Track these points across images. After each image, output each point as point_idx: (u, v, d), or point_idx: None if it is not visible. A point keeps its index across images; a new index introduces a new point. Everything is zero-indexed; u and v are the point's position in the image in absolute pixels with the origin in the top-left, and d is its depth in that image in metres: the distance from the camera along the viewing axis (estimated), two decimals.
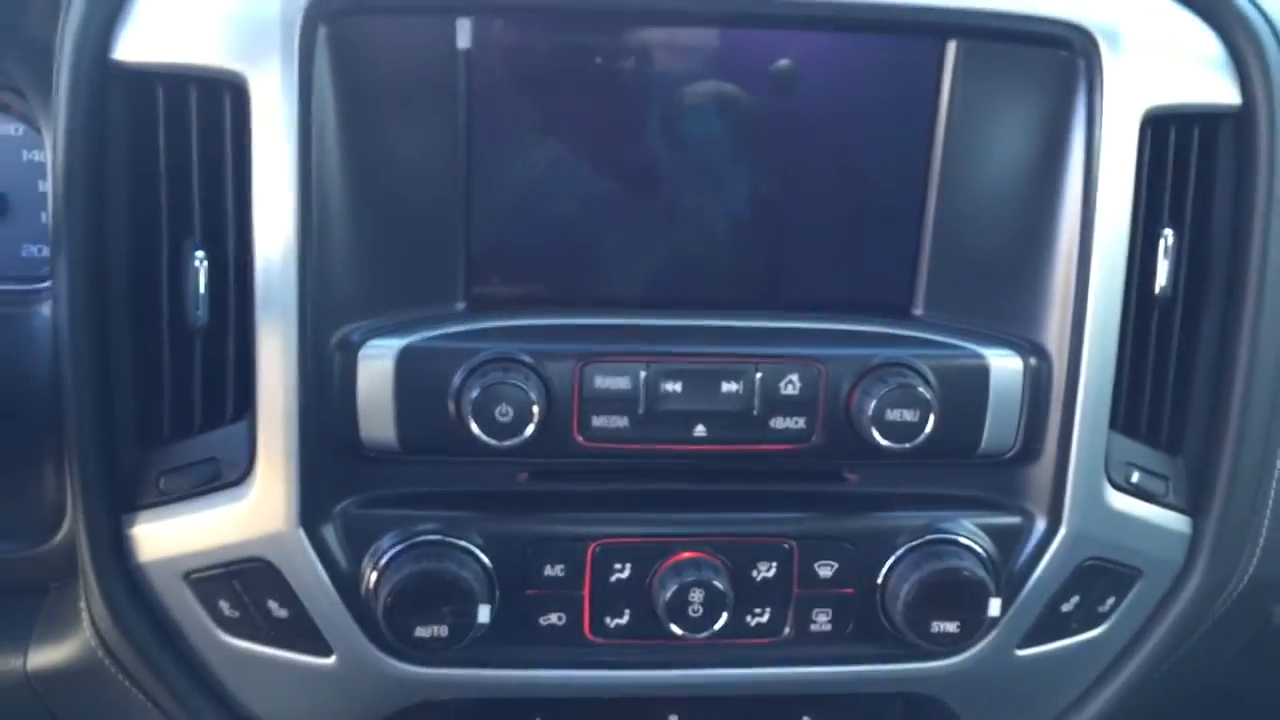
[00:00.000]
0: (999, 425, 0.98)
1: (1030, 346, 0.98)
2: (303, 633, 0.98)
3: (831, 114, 0.98)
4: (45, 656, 1.07)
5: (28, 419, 0.96)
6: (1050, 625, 1.05)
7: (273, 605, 0.97)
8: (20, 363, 0.96)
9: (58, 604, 1.05)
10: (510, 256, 0.98)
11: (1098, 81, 0.94)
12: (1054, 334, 0.97)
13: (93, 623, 1.01)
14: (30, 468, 0.98)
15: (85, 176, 0.91)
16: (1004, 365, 0.97)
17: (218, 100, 0.91)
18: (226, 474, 0.95)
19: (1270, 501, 1.07)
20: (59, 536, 1.00)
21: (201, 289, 0.92)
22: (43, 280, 0.97)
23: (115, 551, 0.97)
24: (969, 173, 0.97)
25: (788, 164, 0.99)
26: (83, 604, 1.01)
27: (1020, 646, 1.05)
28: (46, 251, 1.05)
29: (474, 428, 0.91)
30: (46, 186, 0.98)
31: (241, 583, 0.97)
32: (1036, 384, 0.98)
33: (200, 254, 0.92)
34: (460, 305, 0.97)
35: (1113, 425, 1.00)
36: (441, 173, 0.94)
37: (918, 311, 1.00)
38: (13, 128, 1.05)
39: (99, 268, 0.93)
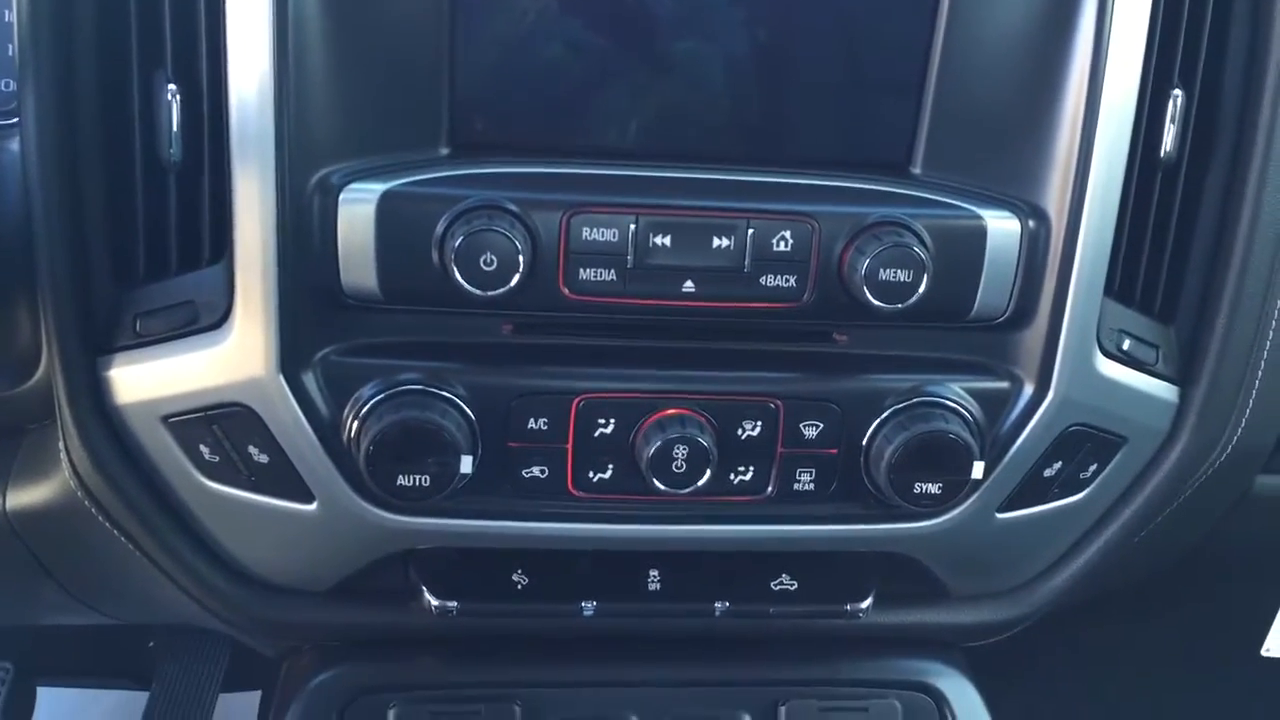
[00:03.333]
0: (993, 288, 0.96)
1: (1029, 208, 0.96)
2: (284, 479, 0.97)
3: None
4: (25, 496, 1.07)
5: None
6: (1032, 490, 1.05)
7: (253, 450, 0.96)
8: None
9: (36, 445, 1.05)
10: (497, 101, 0.94)
11: None
12: (1054, 196, 0.95)
13: (71, 464, 1.00)
14: (4, 309, 0.96)
15: (51, 4, 0.86)
16: (1001, 227, 0.95)
17: None
18: (204, 317, 0.93)
19: (1260, 372, 1.06)
20: (35, 378, 0.98)
21: (174, 125, 0.89)
22: (12, 116, 0.94)
23: (92, 394, 0.96)
24: (976, 25, 0.93)
25: (787, 12, 0.94)
26: (61, 445, 1.00)
27: (1001, 510, 1.06)
28: (15, 86, 1.01)
29: (457, 276, 0.88)
30: (12, 16, 0.93)
31: (221, 427, 0.96)
32: (1033, 247, 0.96)
33: (172, 88, 0.89)
34: (444, 150, 0.93)
35: (1107, 291, 0.99)
36: (425, 8, 0.90)
37: (916, 170, 0.97)
38: None
39: (67, 101, 0.89)
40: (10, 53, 0.98)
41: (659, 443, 0.95)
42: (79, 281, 0.93)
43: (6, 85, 1.02)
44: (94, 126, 0.91)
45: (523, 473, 0.98)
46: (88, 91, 0.90)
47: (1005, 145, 0.96)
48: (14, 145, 0.93)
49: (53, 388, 0.96)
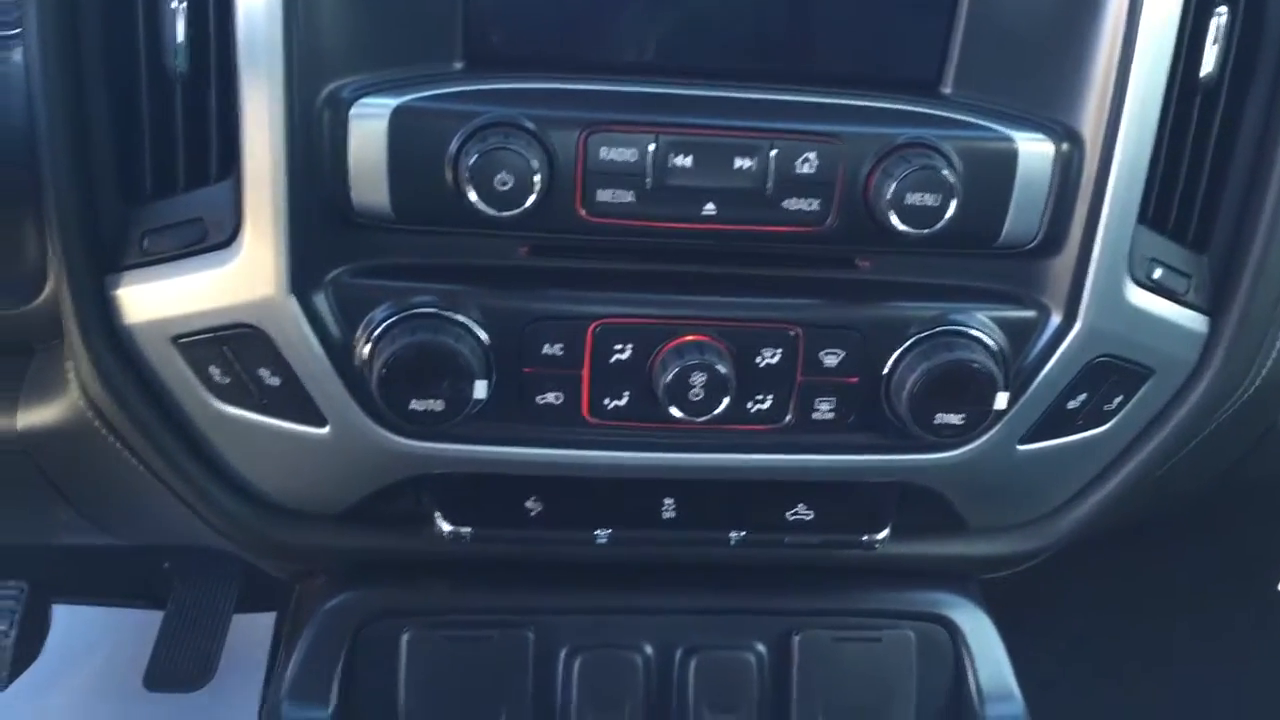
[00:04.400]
0: (1023, 213, 0.93)
1: (1063, 130, 0.92)
2: (295, 402, 0.96)
3: None
4: (35, 416, 1.05)
5: (3, 174, 0.91)
6: (1055, 422, 1.03)
7: (264, 373, 0.95)
8: None
9: (46, 365, 1.03)
10: (513, 13, 0.91)
11: None
12: (1090, 118, 0.91)
13: (80, 384, 0.99)
14: (9, 226, 0.93)
15: None
16: (1034, 149, 0.92)
17: None
18: (213, 235, 0.91)
19: None
20: (42, 296, 0.97)
21: (180, 36, 0.87)
22: (14, 26, 0.90)
23: (100, 313, 0.94)
24: None
25: None
26: (69, 365, 0.99)
27: (1023, 442, 1.04)
28: None
29: (472, 196, 0.86)
30: None
31: (232, 349, 0.94)
32: (1066, 170, 0.92)
33: None
34: (458, 64, 0.90)
35: (1140, 218, 0.96)
36: None
37: (947, 90, 0.94)
38: None
39: (70, 10, 0.87)
40: None
41: (676, 369, 0.93)
42: (85, 197, 0.91)
43: None
44: (98, 37, 0.88)
45: (537, 399, 0.97)
46: (91, 8, 0.87)
47: (1040, 64, 0.93)
48: (16, 56, 0.90)
49: (60, 306, 0.94)
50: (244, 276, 0.91)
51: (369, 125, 0.87)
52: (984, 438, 1.02)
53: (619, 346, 0.95)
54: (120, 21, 0.88)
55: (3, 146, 0.90)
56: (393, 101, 0.87)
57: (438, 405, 0.92)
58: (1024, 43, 0.92)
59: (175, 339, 0.94)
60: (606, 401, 0.97)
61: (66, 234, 0.91)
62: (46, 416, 1.05)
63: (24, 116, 0.89)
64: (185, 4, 0.86)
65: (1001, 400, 0.96)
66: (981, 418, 0.97)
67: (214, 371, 0.96)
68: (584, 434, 0.99)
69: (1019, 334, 0.99)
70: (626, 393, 0.97)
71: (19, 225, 0.93)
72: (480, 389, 0.92)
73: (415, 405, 0.92)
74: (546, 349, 0.95)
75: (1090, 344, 0.99)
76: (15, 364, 1.05)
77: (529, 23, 0.92)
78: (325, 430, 0.97)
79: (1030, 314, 0.99)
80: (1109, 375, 1.02)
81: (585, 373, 0.96)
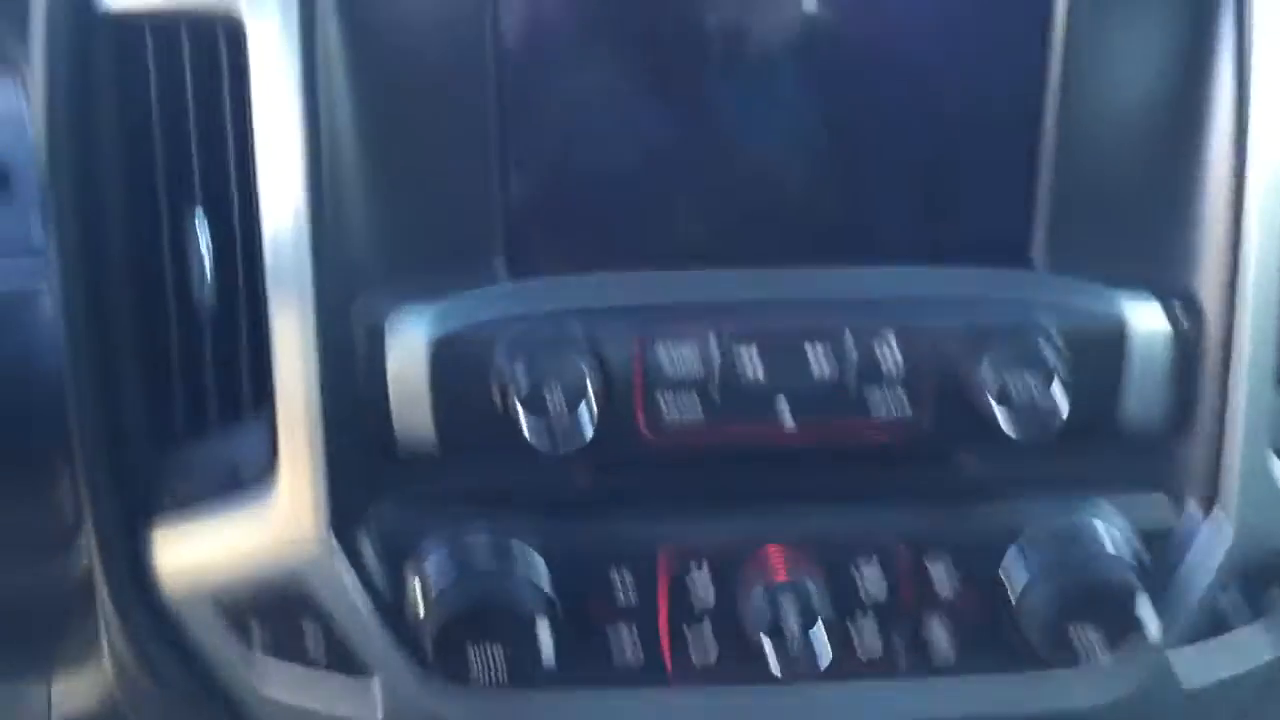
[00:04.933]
0: (1143, 393, 0.85)
1: (1176, 296, 0.85)
2: (341, 660, 0.88)
3: (921, 28, 0.84)
4: (71, 691, 0.98)
5: (35, 420, 0.87)
6: (1207, 626, 0.91)
7: (306, 625, 0.87)
8: (26, 355, 0.87)
9: (79, 635, 0.96)
10: (553, 210, 0.86)
11: None
12: (1205, 279, 0.84)
13: (112, 653, 0.92)
14: (38, 478, 0.89)
15: (72, 141, 0.83)
16: (1146, 321, 0.84)
17: (213, 46, 0.82)
18: (247, 477, 0.86)
19: None
20: (75, 554, 0.91)
21: (208, 269, 0.84)
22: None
23: (131, 567, 0.88)
24: (1093, 91, 0.84)
25: (872, 88, 0.85)
26: (102, 629, 0.92)
27: (1176, 654, 0.91)
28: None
29: (524, 424, 0.79)
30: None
31: (272, 601, 0.87)
32: (1186, 341, 0.84)
33: (201, 221, 0.84)
34: (499, 268, 0.85)
35: (1277, 385, 0.86)
36: (470, 116, 0.83)
37: (1037, 260, 0.87)
38: (14, 92, 0.95)
39: (96, 255, 0.85)
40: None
41: (769, 616, 0.83)
42: (114, 444, 0.87)
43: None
44: (124, 277, 0.86)
45: (611, 647, 0.87)
46: (116, 242, 0.86)
47: (1140, 225, 0.86)
48: (44, 302, 0.87)
49: (91, 562, 0.89)
50: (280, 520, 0.85)
51: (408, 352, 0.82)
52: (1129, 654, 0.88)
53: (695, 576, 0.87)
54: (147, 260, 0.86)
55: (31, 394, 0.87)
56: (433, 322, 0.82)
57: (503, 673, 0.82)
58: (1118, 202, 0.86)
59: (210, 589, 0.88)
60: (690, 651, 0.88)
61: (95, 483, 0.87)
62: (80, 693, 0.97)
63: (51, 361, 0.85)
64: (212, 237, 0.84)
65: (1143, 607, 0.84)
66: (1123, 630, 0.85)
67: (254, 627, 0.89)
68: (667, 686, 0.89)
69: (1154, 529, 0.89)
70: (712, 640, 0.87)
71: (52, 478, 0.88)
72: (546, 642, 0.82)
73: (477, 671, 0.82)
74: (617, 586, 0.86)
75: (1240, 536, 0.88)
76: (50, 636, 0.98)
77: (571, 221, 0.87)
78: (373, 686, 0.88)
79: (1164, 505, 0.89)
80: (1264, 567, 0.90)
81: (662, 613, 0.87)
